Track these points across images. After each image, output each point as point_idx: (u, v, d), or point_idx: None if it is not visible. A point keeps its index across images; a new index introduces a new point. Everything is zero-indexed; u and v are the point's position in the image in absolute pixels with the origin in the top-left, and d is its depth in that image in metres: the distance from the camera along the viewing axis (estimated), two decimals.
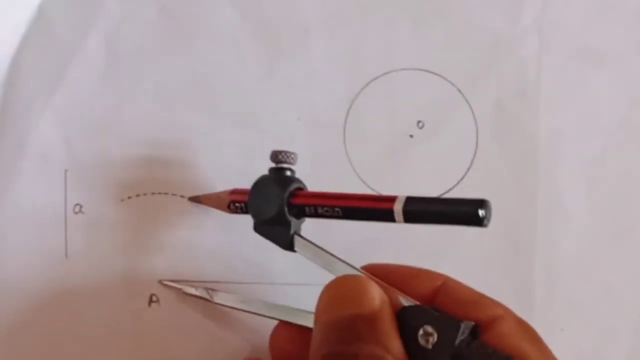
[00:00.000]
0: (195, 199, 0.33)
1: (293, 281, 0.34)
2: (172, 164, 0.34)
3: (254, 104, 0.34)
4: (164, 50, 0.34)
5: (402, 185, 0.34)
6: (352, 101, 0.35)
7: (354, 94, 0.35)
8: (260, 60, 0.35)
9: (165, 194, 0.34)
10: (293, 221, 0.29)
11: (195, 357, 0.33)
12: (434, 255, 0.34)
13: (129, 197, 0.34)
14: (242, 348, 0.34)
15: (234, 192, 0.31)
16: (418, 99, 0.35)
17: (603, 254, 0.36)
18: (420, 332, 0.25)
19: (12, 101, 0.33)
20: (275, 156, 0.30)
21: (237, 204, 0.31)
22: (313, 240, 0.29)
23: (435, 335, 0.25)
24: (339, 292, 0.26)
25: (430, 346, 0.25)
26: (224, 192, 0.31)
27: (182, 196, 0.34)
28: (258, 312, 0.31)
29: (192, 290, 0.32)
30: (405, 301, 0.26)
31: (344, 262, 0.28)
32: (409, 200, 0.26)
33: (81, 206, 0.33)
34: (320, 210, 0.28)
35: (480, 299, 0.27)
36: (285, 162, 0.29)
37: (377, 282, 0.26)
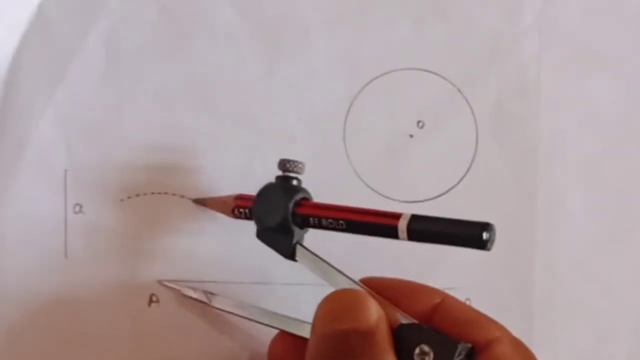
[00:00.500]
0: (200, 202, 0.33)
1: (292, 282, 0.34)
2: (171, 164, 0.34)
3: (254, 104, 0.34)
4: (164, 50, 0.34)
5: (402, 185, 0.34)
6: (352, 101, 0.35)
7: (353, 93, 0.35)
8: (260, 60, 0.35)
9: (165, 194, 0.34)
10: (296, 230, 0.29)
11: (195, 358, 0.33)
12: (433, 255, 0.34)
13: (129, 197, 0.34)
14: (241, 349, 0.34)
15: (239, 197, 0.31)
16: (418, 98, 0.35)
17: (603, 254, 0.36)
18: (417, 350, 0.25)
19: (12, 101, 0.33)
20: (283, 165, 0.30)
21: (241, 210, 0.31)
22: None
23: (432, 355, 0.25)
24: (337, 306, 0.26)
25: None
26: (229, 197, 0.31)
27: (182, 196, 0.34)
28: (255, 319, 0.31)
29: (191, 293, 0.32)
30: (403, 318, 0.26)
31: (343, 274, 0.28)
32: (414, 218, 0.26)
33: (81, 206, 0.33)
34: (324, 222, 0.28)
35: (478, 319, 0.28)
36: (292, 171, 0.30)
37: (375, 297, 0.26)
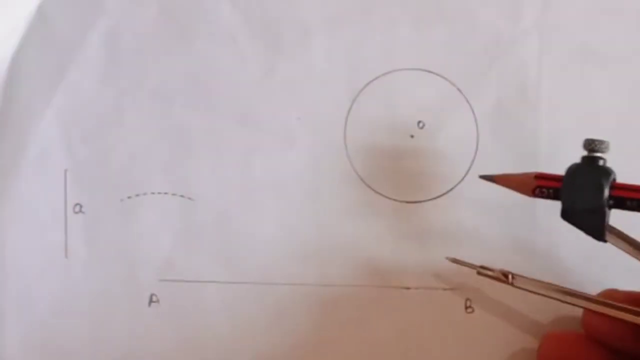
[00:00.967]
0: (488, 178, 0.32)
1: (295, 282, 0.34)
2: (172, 164, 0.34)
3: (253, 104, 0.34)
4: (164, 49, 0.34)
5: (402, 185, 0.34)
6: (353, 101, 0.35)
7: (354, 93, 0.35)
8: (260, 60, 0.34)
9: (165, 193, 0.34)
10: (607, 212, 0.29)
11: (195, 358, 0.33)
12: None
13: (129, 197, 0.34)
14: (244, 347, 0.34)
15: (540, 176, 0.31)
16: (419, 99, 0.35)
17: (603, 254, 0.36)
18: None
19: (12, 101, 0.33)
20: (589, 145, 0.29)
21: (544, 189, 0.30)
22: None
23: None
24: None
25: None
26: (528, 176, 0.31)
27: (182, 196, 0.34)
28: (560, 298, 0.31)
29: (488, 272, 0.31)
30: None
31: None
32: None
33: (81, 206, 0.33)
34: None
35: None
36: (599, 150, 0.29)
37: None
